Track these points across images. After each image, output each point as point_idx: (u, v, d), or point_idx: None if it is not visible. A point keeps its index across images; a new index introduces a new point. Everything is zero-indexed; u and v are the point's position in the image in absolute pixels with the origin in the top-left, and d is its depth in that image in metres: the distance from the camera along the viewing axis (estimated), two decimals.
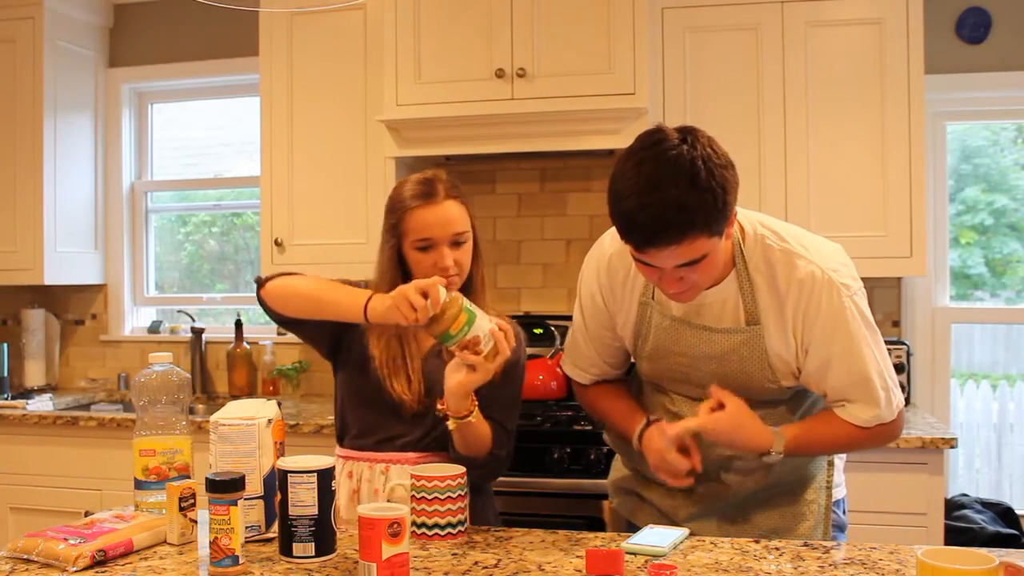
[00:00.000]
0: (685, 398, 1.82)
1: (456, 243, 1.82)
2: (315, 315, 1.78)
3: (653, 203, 1.48)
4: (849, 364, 1.66)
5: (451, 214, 1.81)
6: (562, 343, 3.34)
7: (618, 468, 2.00)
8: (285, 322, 1.85)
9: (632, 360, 1.91)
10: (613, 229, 1.80)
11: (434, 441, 1.83)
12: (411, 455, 1.82)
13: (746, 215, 1.72)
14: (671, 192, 1.48)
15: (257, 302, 1.86)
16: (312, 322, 1.82)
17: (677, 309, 1.74)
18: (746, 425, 1.66)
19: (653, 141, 1.54)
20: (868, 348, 1.66)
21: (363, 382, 1.85)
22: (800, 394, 1.79)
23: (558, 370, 3.25)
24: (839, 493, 1.88)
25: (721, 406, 1.67)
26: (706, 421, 1.66)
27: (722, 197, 1.51)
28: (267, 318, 4.07)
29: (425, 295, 1.60)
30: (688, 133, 1.54)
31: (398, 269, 1.85)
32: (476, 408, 1.71)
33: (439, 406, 1.71)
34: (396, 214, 1.84)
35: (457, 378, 1.66)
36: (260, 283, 1.84)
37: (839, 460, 1.89)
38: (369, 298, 1.67)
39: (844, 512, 1.91)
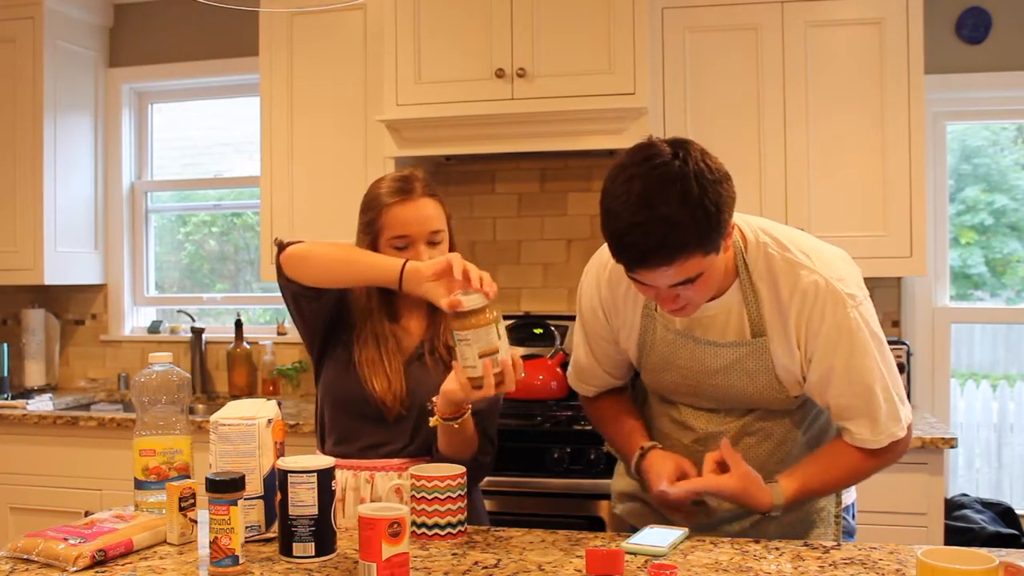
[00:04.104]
0: (691, 408, 1.80)
1: (433, 242, 1.81)
2: (341, 279, 1.74)
3: (643, 222, 1.44)
4: (850, 376, 1.62)
5: (428, 211, 1.81)
6: (562, 343, 3.35)
7: (622, 475, 1.96)
8: (296, 293, 1.79)
9: (636, 369, 1.89)
10: None
11: (418, 448, 1.81)
12: (395, 462, 1.81)
13: (748, 221, 1.69)
14: (662, 211, 1.43)
15: (275, 267, 1.80)
16: (322, 297, 1.79)
17: (681, 323, 1.71)
18: (749, 491, 1.64)
19: (644, 156, 1.48)
20: (872, 360, 1.62)
21: (346, 382, 1.82)
22: (807, 404, 1.77)
23: (558, 370, 3.25)
24: (848, 498, 1.85)
25: (725, 465, 1.65)
26: (711, 485, 1.64)
27: (716, 215, 1.46)
28: (267, 318, 4.11)
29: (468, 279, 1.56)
30: (680, 147, 1.48)
31: None
32: (467, 417, 1.70)
33: (433, 399, 1.71)
34: (372, 211, 1.82)
35: (450, 385, 1.65)
36: (282, 246, 1.78)
37: None
38: (406, 262, 1.65)
39: (853, 517, 1.87)
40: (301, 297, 1.80)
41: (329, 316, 1.86)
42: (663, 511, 1.77)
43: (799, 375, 1.68)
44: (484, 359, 1.56)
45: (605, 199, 1.51)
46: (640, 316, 1.75)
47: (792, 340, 1.64)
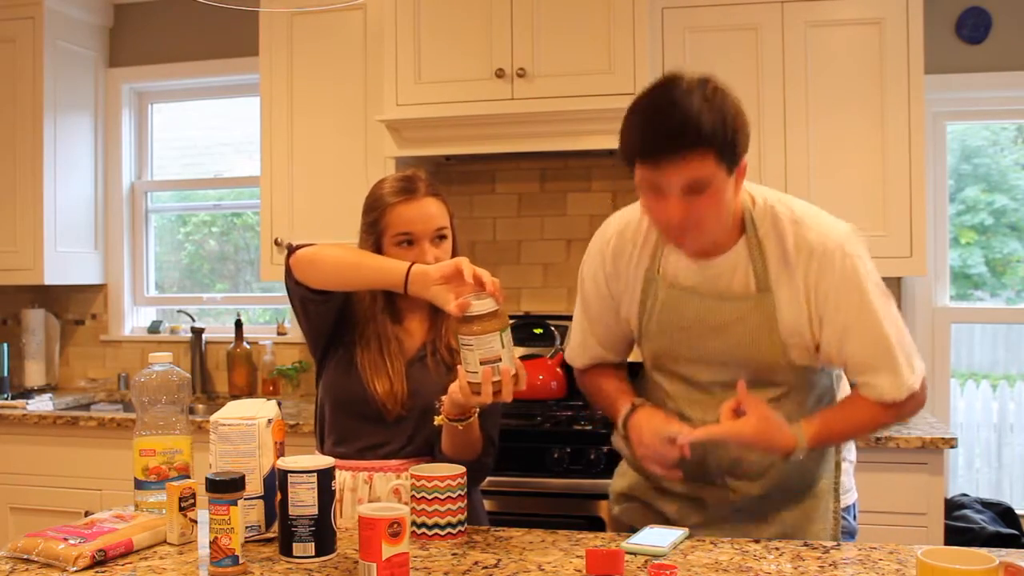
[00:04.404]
0: (687, 385, 1.78)
1: (436, 240, 1.82)
2: (349, 282, 1.75)
3: (667, 116, 1.52)
4: (864, 332, 1.63)
5: (431, 210, 1.82)
6: (562, 343, 3.34)
7: (623, 475, 1.96)
8: (304, 296, 1.79)
9: (636, 346, 1.87)
10: (617, 214, 1.83)
11: (417, 449, 1.82)
12: (394, 463, 1.81)
13: (756, 188, 1.72)
14: (683, 107, 1.51)
15: (284, 270, 1.80)
16: (330, 300, 1.79)
17: (685, 279, 1.72)
18: (769, 434, 1.62)
19: (668, 79, 1.57)
20: (883, 315, 1.64)
21: (347, 383, 1.83)
22: (809, 382, 1.75)
23: (558, 370, 3.25)
24: (849, 499, 1.85)
25: (741, 410, 1.63)
26: (728, 430, 1.62)
27: (731, 123, 1.53)
28: (267, 318, 4.11)
29: (481, 284, 1.58)
30: (703, 76, 1.57)
31: None
32: (473, 419, 1.71)
33: (441, 398, 1.71)
34: (376, 211, 1.83)
35: (454, 386, 1.65)
36: (291, 250, 1.79)
37: (847, 463, 1.86)
38: (411, 266, 1.66)
39: (854, 517, 1.88)
40: (309, 300, 1.80)
41: (335, 318, 1.86)
42: (648, 472, 1.76)
43: (806, 334, 1.67)
44: (485, 366, 1.56)
45: (628, 112, 1.58)
46: (642, 280, 1.77)
47: (800, 296, 1.65)
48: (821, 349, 1.68)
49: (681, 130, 1.50)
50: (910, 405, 1.69)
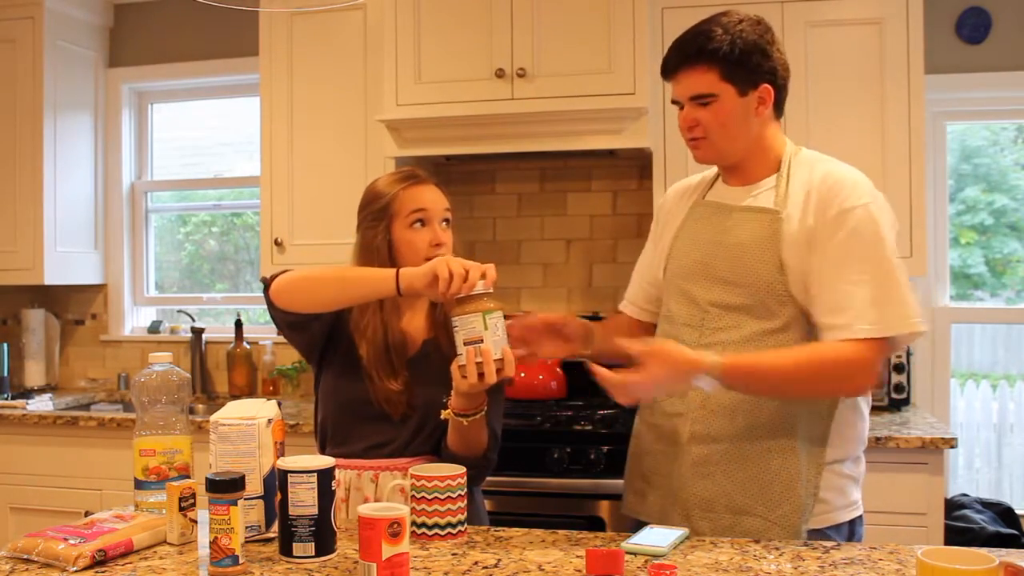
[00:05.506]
0: (690, 306, 1.81)
1: (443, 224, 1.84)
2: (340, 300, 1.72)
3: (683, 38, 1.79)
4: (849, 258, 1.67)
5: (439, 193, 1.86)
6: None
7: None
8: (293, 322, 1.79)
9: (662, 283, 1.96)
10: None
11: (421, 446, 1.82)
12: (400, 461, 1.81)
13: (813, 152, 1.87)
14: (699, 30, 1.77)
15: (265, 302, 1.78)
16: (319, 320, 1.79)
17: (725, 200, 1.84)
18: (666, 366, 1.61)
19: (715, 14, 1.81)
20: (873, 250, 1.68)
21: (351, 384, 1.82)
22: (808, 321, 1.73)
23: (558, 370, 3.25)
24: (846, 514, 1.77)
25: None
26: (623, 379, 1.60)
27: (742, 46, 1.73)
28: (267, 318, 4.10)
29: (466, 274, 1.59)
30: (748, 14, 1.80)
31: (392, 256, 1.82)
32: (480, 415, 1.71)
33: (451, 391, 1.71)
34: (382, 199, 1.83)
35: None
36: (267, 283, 1.78)
37: (849, 480, 1.79)
38: (398, 270, 1.66)
39: (857, 535, 1.80)
40: (297, 324, 1.79)
41: (328, 330, 1.85)
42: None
43: (804, 253, 1.70)
44: (468, 347, 1.60)
45: None
46: (688, 207, 1.92)
47: (809, 215, 1.72)
48: (810, 273, 1.70)
49: (686, 48, 1.76)
50: (855, 366, 1.64)
